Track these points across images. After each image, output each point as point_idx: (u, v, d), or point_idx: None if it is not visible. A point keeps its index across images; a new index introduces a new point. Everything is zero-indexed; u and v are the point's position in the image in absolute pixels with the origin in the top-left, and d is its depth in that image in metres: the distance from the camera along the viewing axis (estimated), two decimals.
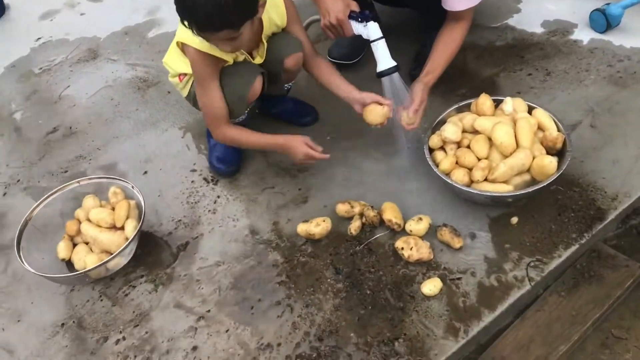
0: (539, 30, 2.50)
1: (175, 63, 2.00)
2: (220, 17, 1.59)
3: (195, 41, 1.77)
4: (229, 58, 1.87)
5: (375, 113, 1.86)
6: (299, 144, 1.89)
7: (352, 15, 1.88)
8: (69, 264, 1.91)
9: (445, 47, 2.01)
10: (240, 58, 1.90)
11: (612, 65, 2.25)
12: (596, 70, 2.24)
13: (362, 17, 1.85)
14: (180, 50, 1.90)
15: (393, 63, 1.85)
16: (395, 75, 1.86)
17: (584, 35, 2.42)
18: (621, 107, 2.07)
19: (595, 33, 2.41)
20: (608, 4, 2.36)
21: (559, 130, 1.82)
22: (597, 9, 2.37)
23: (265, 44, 1.94)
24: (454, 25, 2.01)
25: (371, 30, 1.84)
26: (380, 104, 1.85)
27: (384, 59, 1.86)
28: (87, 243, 1.92)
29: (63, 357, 1.71)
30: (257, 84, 1.94)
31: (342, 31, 1.93)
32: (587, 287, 1.66)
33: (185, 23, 1.65)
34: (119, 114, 2.52)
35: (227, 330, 1.68)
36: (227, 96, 1.90)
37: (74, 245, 1.94)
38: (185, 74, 1.99)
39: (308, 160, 1.92)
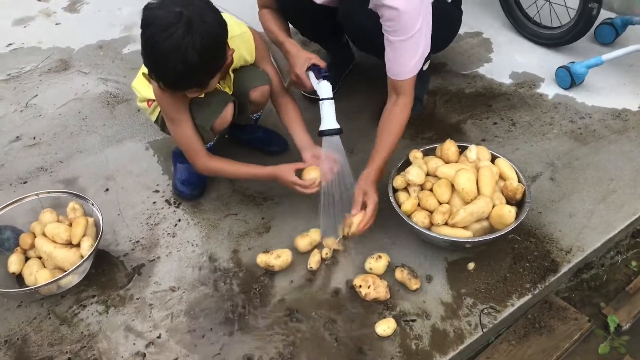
0: (507, 81, 2.58)
1: (144, 89, 1.99)
2: (188, 79, 1.63)
3: None
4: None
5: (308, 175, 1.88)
6: (286, 173, 1.88)
7: (313, 68, 1.92)
8: (19, 278, 1.86)
9: (388, 135, 1.93)
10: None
11: (574, 122, 2.33)
12: (559, 125, 2.32)
13: (318, 74, 1.90)
14: (147, 80, 1.89)
15: (336, 126, 1.85)
16: (336, 138, 1.86)
17: (549, 89, 2.51)
18: (580, 163, 2.14)
19: (560, 89, 2.50)
20: (573, 62, 2.45)
21: (519, 180, 1.87)
22: (562, 66, 2.46)
23: (232, 75, 1.95)
24: (394, 103, 1.95)
25: (322, 88, 1.87)
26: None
27: (328, 119, 1.86)
28: (40, 258, 1.88)
29: None
30: (227, 112, 1.93)
31: (303, 85, 1.97)
32: (537, 338, 1.69)
33: (153, 76, 1.66)
34: (86, 128, 2.49)
35: (175, 359, 1.64)
36: (197, 125, 1.90)
37: (27, 259, 1.89)
38: (154, 100, 1.97)
39: (298, 189, 1.89)
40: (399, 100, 1.94)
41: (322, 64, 1.92)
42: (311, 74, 1.91)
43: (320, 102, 1.86)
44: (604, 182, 2.06)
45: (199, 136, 1.90)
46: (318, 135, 1.86)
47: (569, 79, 2.44)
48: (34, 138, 2.45)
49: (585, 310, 1.77)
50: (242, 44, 1.91)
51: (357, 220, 1.82)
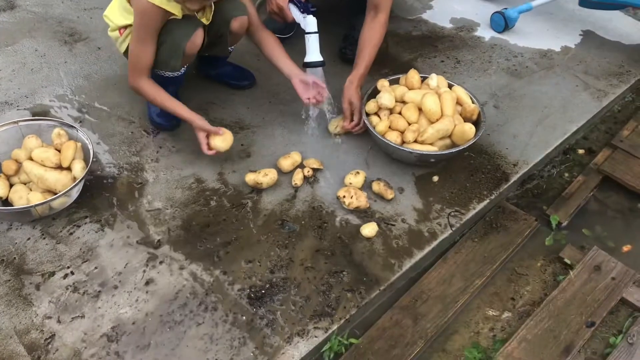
0: (448, 25, 2.84)
1: (116, 16, 2.03)
2: None
3: None
4: (178, 12, 1.91)
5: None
6: (202, 121, 1.97)
7: (295, 2, 2.03)
8: (5, 203, 1.87)
9: (370, 47, 2.14)
10: (186, 12, 1.95)
11: (509, 60, 2.63)
12: (497, 63, 2.60)
13: (303, 8, 2.01)
14: (127, 1, 1.94)
15: (320, 58, 2.02)
16: (320, 69, 2.03)
17: (485, 33, 2.79)
18: (518, 93, 2.44)
19: (494, 32, 2.79)
20: (506, 8, 2.74)
21: (473, 103, 2.13)
22: (497, 11, 2.75)
23: (213, 6, 2.04)
24: (374, 18, 2.15)
25: (309, 22, 2.00)
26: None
27: (313, 52, 2.02)
28: (25, 183, 1.90)
29: (5, 290, 1.69)
30: (198, 37, 1.99)
31: (284, 16, 2.08)
32: (495, 235, 1.96)
33: None
34: (46, 64, 2.46)
35: (180, 267, 1.76)
36: (167, 45, 1.96)
37: (10, 185, 1.90)
38: (126, 27, 2.02)
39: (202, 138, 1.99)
40: (378, 17, 2.15)
41: None
42: (293, 7, 2.02)
43: (306, 35, 1.99)
44: (539, 109, 2.37)
45: (151, 61, 1.96)
46: (302, 67, 2.00)
47: (503, 22, 2.73)
48: None
49: (531, 213, 2.06)
50: None
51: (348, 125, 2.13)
